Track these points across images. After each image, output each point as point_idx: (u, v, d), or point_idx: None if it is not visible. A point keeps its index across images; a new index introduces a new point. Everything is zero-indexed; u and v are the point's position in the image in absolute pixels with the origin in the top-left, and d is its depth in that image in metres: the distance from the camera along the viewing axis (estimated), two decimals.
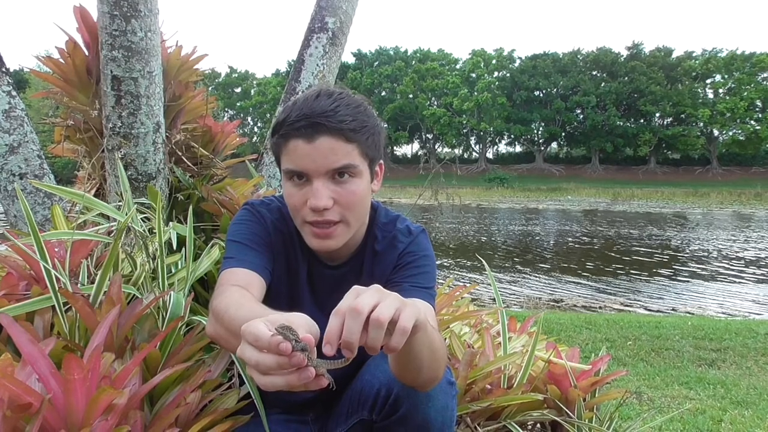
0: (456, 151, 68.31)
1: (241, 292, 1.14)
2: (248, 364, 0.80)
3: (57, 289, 1.40)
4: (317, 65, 2.83)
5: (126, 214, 1.75)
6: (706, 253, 14.18)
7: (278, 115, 1.26)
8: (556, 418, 1.85)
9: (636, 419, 2.49)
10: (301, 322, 0.82)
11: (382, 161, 1.35)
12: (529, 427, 1.95)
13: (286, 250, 1.38)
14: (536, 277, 10.74)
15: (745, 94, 54.00)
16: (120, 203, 1.95)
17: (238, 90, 72.02)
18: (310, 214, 1.22)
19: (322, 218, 1.22)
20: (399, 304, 0.85)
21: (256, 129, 67.26)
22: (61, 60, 2.17)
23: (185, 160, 2.29)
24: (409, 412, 1.18)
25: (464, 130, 63.50)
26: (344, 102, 1.21)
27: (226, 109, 66.78)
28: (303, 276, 1.40)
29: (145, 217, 1.92)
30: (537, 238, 17.38)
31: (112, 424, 1.06)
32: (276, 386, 0.78)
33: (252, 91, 70.38)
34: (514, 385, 1.85)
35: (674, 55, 59.74)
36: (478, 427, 1.74)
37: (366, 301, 0.82)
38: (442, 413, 1.20)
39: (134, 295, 1.56)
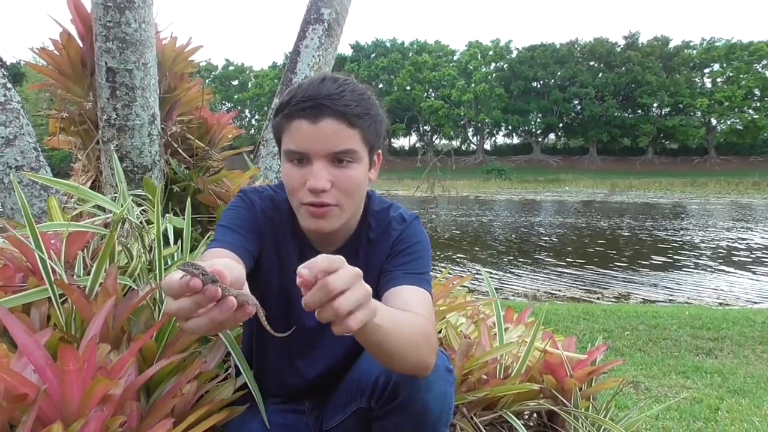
0: (454, 143, 68.31)
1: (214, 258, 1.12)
2: (174, 316, 0.81)
3: (53, 280, 1.40)
4: (313, 56, 2.82)
5: (122, 206, 1.75)
6: (703, 243, 14.19)
7: (282, 97, 1.26)
8: (552, 408, 1.85)
9: (633, 408, 2.50)
10: (222, 262, 0.83)
11: (380, 151, 1.36)
12: (526, 416, 1.96)
13: (275, 237, 1.38)
14: (534, 268, 10.74)
15: (743, 83, 54.01)
16: (115, 195, 1.94)
17: (235, 83, 71.94)
18: (307, 195, 1.22)
19: (319, 200, 1.22)
20: (362, 299, 0.86)
21: (253, 122, 67.18)
22: (56, 52, 2.17)
23: (181, 151, 2.29)
24: (408, 399, 1.19)
25: (462, 122, 63.47)
26: (350, 88, 1.22)
27: (223, 102, 66.69)
28: (293, 263, 1.39)
29: (142, 209, 1.92)
30: (534, 229, 17.39)
31: (107, 415, 1.06)
32: (202, 327, 0.78)
33: (249, 84, 70.30)
34: (511, 375, 1.85)
35: (671, 44, 59.70)
36: (474, 417, 1.74)
37: (338, 284, 0.82)
38: (441, 400, 1.20)
39: (130, 286, 1.56)
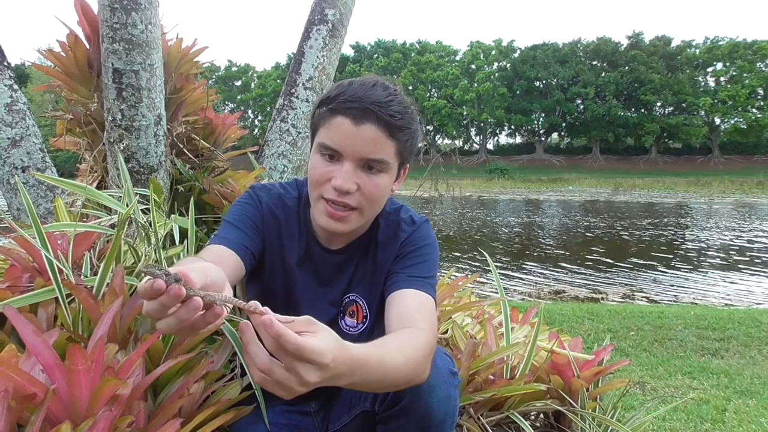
0: (456, 142, 68.29)
1: (197, 259, 1.11)
2: (149, 317, 0.82)
3: (60, 280, 1.40)
4: (317, 57, 2.82)
5: (127, 206, 1.75)
6: (708, 243, 14.14)
7: (329, 91, 1.26)
8: (559, 408, 1.85)
9: (639, 409, 2.49)
10: (198, 266, 0.83)
11: (408, 165, 1.36)
12: (533, 417, 1.95)
13: (280, 235, 1.38)
14: (538, 268, 10.73)
15: (747, 82, 53.83)
16: (121, 195, 1.95)
17: (239, 83, 72.08)
18: (329, 191, 1.23)
19: (341, 200, 1.22)
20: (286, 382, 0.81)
21: (256, 122, 67.22)
22: (62, 53, 2.17)
23: (186, 152, 2.29)
24: (411, 403, 1.18)
25: (464, 122, 63.47)
26: (397, 99, 1.23)
27: (227, 102, 66.77)
28: (298, 262, 1.40)
29: (146, 208, 1.92)
30: (538, 229, 17.36)
31: (115, 415, 1.06)
32: (171, 327, 0.79)
33: (252, 84, 70.42)
34: (517, 376, 1.85)
35: (673, 44, 59.59)
36: (481, 418, 1.74)
37: (308, 379, 0.80)
38: (445, 403, 1.20)
39: (137, 287, 1.56)
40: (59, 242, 1.62)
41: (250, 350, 0.79)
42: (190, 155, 2.30)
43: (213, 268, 0.87)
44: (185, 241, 1.79)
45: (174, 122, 2.30)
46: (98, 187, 2.17)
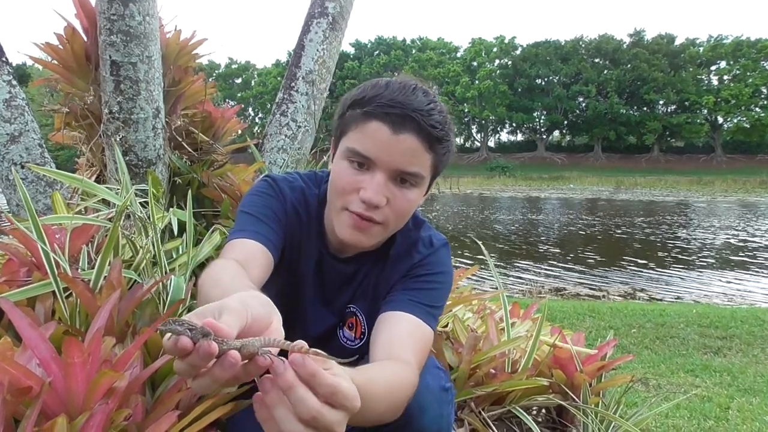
0: (457, 139, 68.31)
1: (230, 265, 1.03)
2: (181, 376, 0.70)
3: (57, 274, 1.38)
4: (317, 50, 2.80)
5: (124, 198, 1.74)
6: (710, 242, 14.11)
7: (363, 90, 1.15)
8: (561, 403, 1.83)
9: (642, 405, 2.47)
10: (232, 305, 0.68)
11: (437, 179, 1.28)
12: (534, 411, 1.94)
13: (300, 237, 1.29)
14: (538, 265, 10.70)
15: (750, 80, 53.77)
16: (119, 188, 1.93)
17: (239, 81, 72.21)
18: (356, 203, 1.14)
19: (368, 213, 1.13)
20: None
21: (257, 119, 67.31)
22: (60, 46, 2.15)
23: (185, 145, 2.27)
24: (403, 424, 1.11)
25: (466, 119, 63.51)
26: (438, 107, 1.13)
27: (226, 100, 66.81)
28: (311, 267, 1.33)
29: (145, 201, 1.90)
30: (539, 226, 17.35)
31: (112, 408, 1.05)
32: (209, 387, 0.67)
33: (252, 82, 70.55)
34: (519, 370, 1.83)
35: (677, 42, 59.58)
36: (482, 412, 1.73)
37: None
38: (437, 422, 1.15)
39: (135, 280, 1.55)
40: (57, 236, 1.60)
41: (297, 394, 0.66)
42: (189, 148, 2.28)
43: (252, 299, 0.73)
44: (183, 234, 1.77)
45: (172, 115, 2.28)
46: (96, 181, 2.15)
